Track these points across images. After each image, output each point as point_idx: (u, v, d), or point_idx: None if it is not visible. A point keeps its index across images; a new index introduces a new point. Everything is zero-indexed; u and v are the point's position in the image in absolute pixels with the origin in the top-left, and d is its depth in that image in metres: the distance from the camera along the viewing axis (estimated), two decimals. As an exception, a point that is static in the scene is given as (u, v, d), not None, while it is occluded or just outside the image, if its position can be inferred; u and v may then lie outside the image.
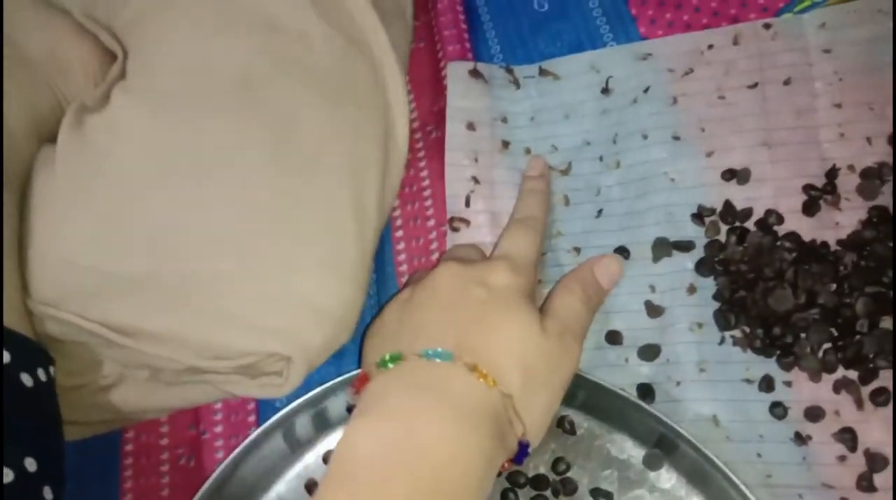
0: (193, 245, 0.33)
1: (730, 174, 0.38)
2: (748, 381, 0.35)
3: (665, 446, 0.34)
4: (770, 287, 0.35)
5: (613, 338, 0.37)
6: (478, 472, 0.28)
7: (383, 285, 0.40)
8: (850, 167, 0.37)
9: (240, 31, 0.36)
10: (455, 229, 0.39)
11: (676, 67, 0.40)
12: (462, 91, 0.42)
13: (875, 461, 0.32)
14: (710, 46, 0.40)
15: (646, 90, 0.40)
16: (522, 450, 0.31)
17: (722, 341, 0.36)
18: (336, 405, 0.37)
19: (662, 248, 0.37)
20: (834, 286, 0.35)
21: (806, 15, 0.39)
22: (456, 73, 0.42)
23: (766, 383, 0.35)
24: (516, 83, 0.42)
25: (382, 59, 0.39)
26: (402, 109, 0.39)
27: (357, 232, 0.35)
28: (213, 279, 0.33)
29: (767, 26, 0.40)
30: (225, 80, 0.35)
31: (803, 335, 0.34)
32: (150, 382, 0.36)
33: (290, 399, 0.35)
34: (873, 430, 0.33)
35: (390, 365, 0.31)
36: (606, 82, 0.41)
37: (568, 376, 0.33)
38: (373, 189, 0.36)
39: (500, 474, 0.33)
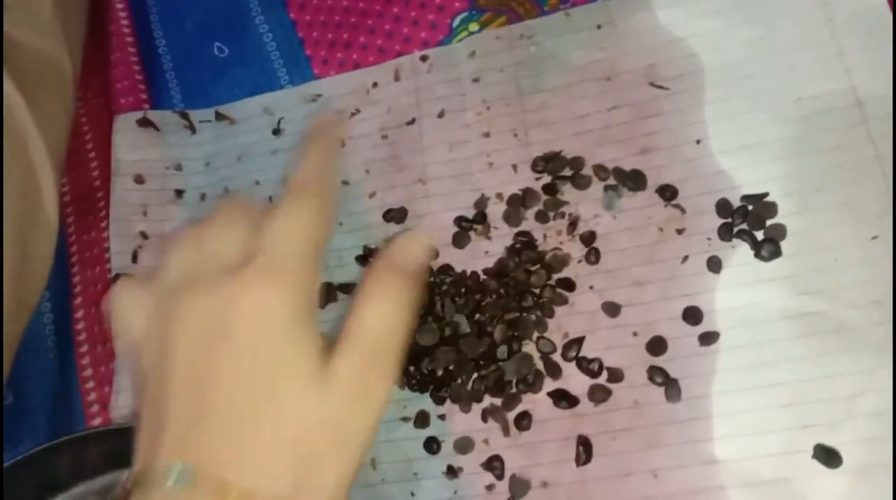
0: None
1: (390, 214, 0.38)
2: (405, 419, 0.35)
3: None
4: (419, 323, 0.35)
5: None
6: None
7: (63, 351, 0.39)
8: (499, 195, 0.37)
9: None
10: (121, 289, 0.39)
11: (344, 108, 0.40)
12: (130, 143, 0.41)
13: (517, 487, 0.33)
14: (375, 84, 0.41)
15: (314, 132, 0.40)
16: None
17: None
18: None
19: (329, 293, 0.37)
20: (478, 316, 0.35)
21: (459, 44, 0.40)
22: (123, 126, 0.41)
23: (421, 419, 0.35)
24: (192, 128, 0.42)
25: (25, 127, 0.37)
26: (49, 177, 0.37)
27: None
28: None
29: (424, 58, 0.40)
30: None
31: (452, 367, 0.35)
32: None
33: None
34: (518, 455, 0.34)
35: (136, 484, 0.24)
36: (278, 123, 0.41)
37: (371, 429, 0.25)
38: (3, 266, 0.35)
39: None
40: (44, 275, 0.38)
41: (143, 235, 0.39)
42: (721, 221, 0.34)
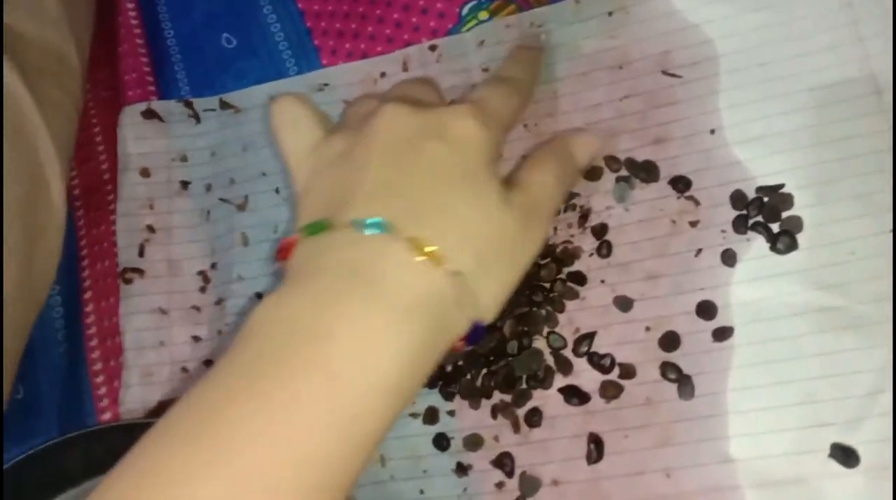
0: None
1: (397, 204, 0.38)
2: (414, 415, 0.35)
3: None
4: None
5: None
6: (391, 371, 0.24)
7: (74, 346, 0.39)
8: (510, 188, 0.37)
9: None
10: (128, 281, 0.38)
11: (351, 98, 0.40)
12: (135, 135, 0.41)
13: (527, 485, 0.33)
14: (383, 74, 0.40)
15: (322, 122, 0.40)
16: (476, 330, 0.27)
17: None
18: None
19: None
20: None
21: (468, 33, 0.39)
22: (128, 119, 0.41)
23: (430, 416, 0.34)
24: (196, 117, 0.41)
25: (33, 122, 0.37)
26: (56, 170, 0.37)
27: None
28: None
29: (433, 48, 0.40)
30: None
31: (461, 363, 0.34)
32: None
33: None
34: (528, 453, 0.33)
35: (318, 233, 0.26)
36: (284, 114, 0.40)
37: (528, 259, 0.29)
38: (11, 260, 0.35)
39: (452, 354, 0.28)
40: (52, 269, 0.38)
41: (150, 229, 0.39)
42: (736, 213, 0.33)
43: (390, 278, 0.25)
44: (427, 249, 0.25)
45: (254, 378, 0.24)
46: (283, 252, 0.28)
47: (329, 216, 0.27)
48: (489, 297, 0.27)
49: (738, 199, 0.33)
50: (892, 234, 0.31)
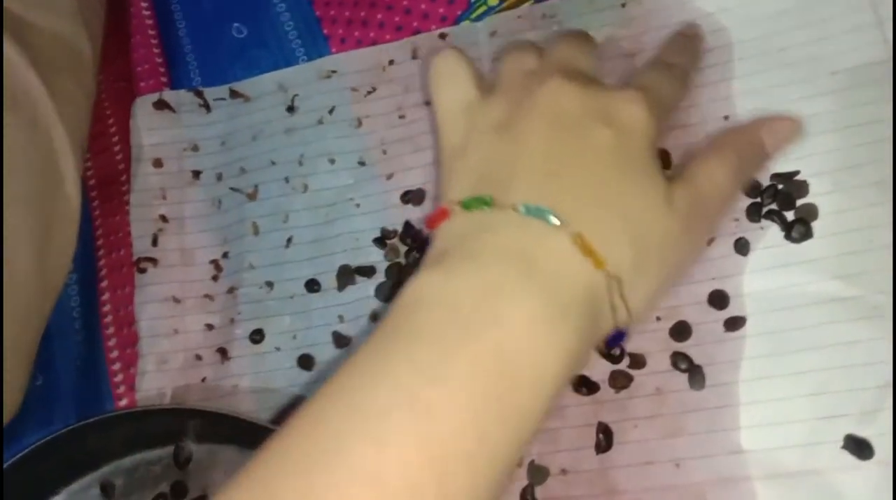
0: None
1: (407, 196, 0.37)
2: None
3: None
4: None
5: (305, 363, 0.37)
6: (553, 367, 0.23)
7: (90, 334, 0.40)
8: (519, 176, 0.36)
9: None
10: (142, 271, 0.39)
11: (360, 86, 0.40)
12: (148, 126, 0.41)
13: (536, 474, 0.32)
14: (392, 62, 0.40)
15: (331, 111, 0.40)
16: (618, 334, 0.26)
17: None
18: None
19: (346, 275, 0.37)
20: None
21: (480, 23, 0.39)
22: (141, 110, 0.41)
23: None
24: (207, 107, 0.42)
25: (47, 115, 0.37)
26: (70, 162, 0.38)
27: (5, 299, 0.34)
28: None
29: (443, 36, 0.39)
30: None
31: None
32: None
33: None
34: (536, 441, 0.33)
35: (476, 209, 0.26)
36: (292, 100, 0.40)
37: (686, 264, 0.28)
38: (27, 251, 0.35)
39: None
40: (68, 260, 0.38)
41: (163, 219, 0.40)
42: (749, 201, 0.32)
43: (555, 272, 0.24)
44: (592, 247, 0.24)
45: (414, 357, 0.23)
46: (434, 220, 0.27)
47: (490, 193, 0.25)
48: (641, 301, 0.26)
49: (751, 187, 0.32)
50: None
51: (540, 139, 0.26)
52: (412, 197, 0.37)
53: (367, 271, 0.37)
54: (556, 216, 0.24)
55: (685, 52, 0.33)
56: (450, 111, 0.30)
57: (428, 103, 0.38)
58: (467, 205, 0.26)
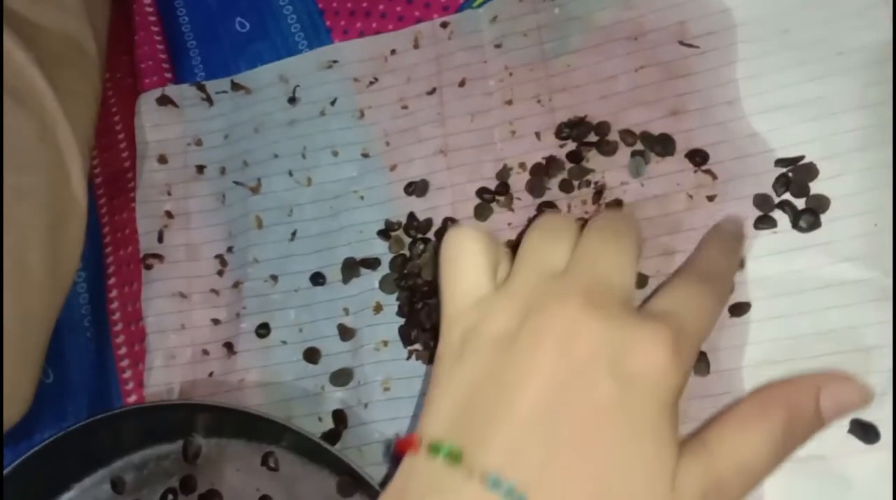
0: None
1: (411, 187, 0.37)
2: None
3: (353, 474, 0.34)
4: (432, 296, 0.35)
5: (311, 356, 0.37)
6: None
7: (99, 331, 0.40)
8: (522, 165, 0.36)
9: None
10: (148, 267, 0.39)
11: (361, 77, 0.40)
12: (152, 123, 0.41)
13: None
14: (393, 51, 0.40)
15: (333, 102, 0.40)
16: None
17: (409, 356, 0.35)
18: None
19: (351, 268, 0.37)
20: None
21: (480, 9, 0.39)
22: (145, 106, 0.41)
23: (446, 395, 0.35)
24: (209, 100, 0.42)
25: (53, 113, 0.38)
26: (76, 160, 0.38)
27: (15, 297, 0.34)
28: None
29: (445, 25, 0.39)
30: None
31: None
32: None
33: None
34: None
35: (442, 457, 0.22)
36: (293, 91, 0.40)
37: None
38: (36, 249, 0.35)
39: None
40: (76, 255, 0.38)
41: (169, 215, 0.40)
42: (759, 213, 0.32)
43: None
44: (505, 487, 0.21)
45: None
46: (401, 448, 0.24)
47: (462, 444, 0.22)
48: None
49: (762, 201, 0.32)
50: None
51: (535, 381, 0.22)
52: (416, 188, 0.37)
53: (372, 264, 0.37)
54: (524, 498, 0.21)
55: (725, 257, 0.28)
56: (457, 308, 0.26)
57: (430, 93, 0.38)
58: (434, 450, 0.22)
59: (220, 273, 0.39)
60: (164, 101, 0.41)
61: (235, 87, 0.41)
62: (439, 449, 0.22)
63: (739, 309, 0.31)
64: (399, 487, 0.23)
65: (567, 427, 0.22)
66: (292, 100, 0.40)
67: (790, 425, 0.23)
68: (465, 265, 0.26)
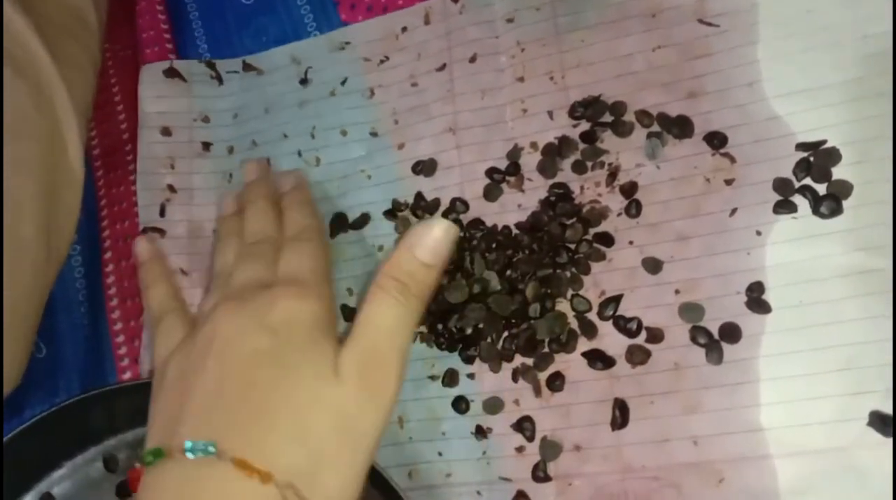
0: None
1: (419, 166, 0.36)
2: (433, 377, 0.34)
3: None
4: (448, 280, 0.34)
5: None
6: None
7: (94, 306, 0.39)
8: (533, 145, 0.35)
9: None
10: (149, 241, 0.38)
11: (372, 56, 0.39)
12: (156, 94, 0.40)
13: (548, 449, 0.32)
14: (405, 29, 0.39)
15: (343, 82, 0.39)
16: None
17: (414, 339, 0.35)
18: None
19: (356, 247, 0.36)
20: (509, 272, 0.34)
21: (492, -16, 0.38)
22: (149, 77, 0.40)
23: (450, 378, 0.34)
24: (219, 79, 0.41)
25: (51, 81, 0.37)
26: (73, 129, 0.37)
27: (7, 266, 0.33)
28: None
29: (456, 0, 0.38)
30: None
31: (481, 325, 0.33)
32: None
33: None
34: (549, 417, 0.32)
35: (155, 464, 0.26)
36: (305, 73, 0.39)
37: (376, 428, 0.26)
38: (30, 219, 0.34)
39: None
40: (72, 227, 0.37)
41: (171, 189, 0.39)
42: (778, 197, 0.31)
43: None
44: (254, 465, 0.24)
45: None
46: (133, 485, 0.28)
47: (165, 442, 0.26)
48: (336, 489, 0.25)
49: (782, 185, 0.31)
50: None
51: (205, 370, 0.27)
52: (424, 167, 0.36)
53: (378, 245, 0.36)
54: (215, 447, 0.25)
55: (302, 217, 0.33)
56: (158, 361, 0.32)
57: (440, 69, 0.37)
58: (148, 460, 0.26)
59: (222, 251, 0.38)
60: (172, 73, 0.40)
61: (247, 67, 0.40)
62: (148, 459, 0.26)
63: (760, 304, 0.30)
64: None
65: (241, 386, 0.26)
66: (304, 81, 0.39)
67: (402, 283, 0.28)
68: (164, 320, 0.33)
